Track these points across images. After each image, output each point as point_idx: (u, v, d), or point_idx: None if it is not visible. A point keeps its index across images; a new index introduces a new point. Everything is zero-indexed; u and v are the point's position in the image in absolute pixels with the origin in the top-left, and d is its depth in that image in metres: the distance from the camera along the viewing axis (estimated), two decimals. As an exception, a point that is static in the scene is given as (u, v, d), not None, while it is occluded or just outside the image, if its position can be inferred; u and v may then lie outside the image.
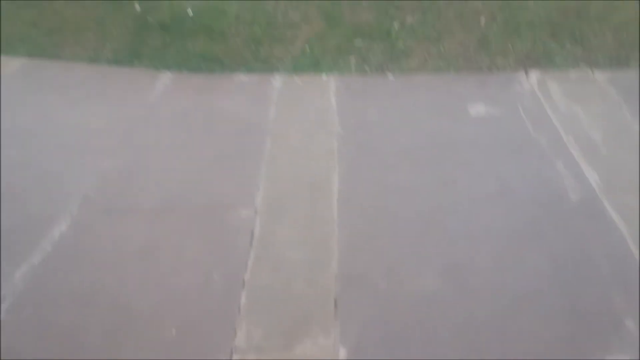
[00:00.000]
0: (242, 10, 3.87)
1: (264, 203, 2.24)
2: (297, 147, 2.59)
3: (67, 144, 2.64)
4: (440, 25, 3.52)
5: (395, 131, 2.67)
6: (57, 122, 2.83)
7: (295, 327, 1.70)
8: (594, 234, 2.04)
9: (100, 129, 2.74)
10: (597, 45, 3.18)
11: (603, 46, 3.17)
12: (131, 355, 1.62)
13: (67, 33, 3.70)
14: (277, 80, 3.16)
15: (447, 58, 3.21)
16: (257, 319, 1.73)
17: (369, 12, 3.75)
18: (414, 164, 2.44)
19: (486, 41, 3.30)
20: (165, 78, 3.20)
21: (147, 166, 2.49)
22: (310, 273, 1.90)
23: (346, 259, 1.96)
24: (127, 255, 2.00)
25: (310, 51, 3.38)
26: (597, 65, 3.03)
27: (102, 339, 1.68)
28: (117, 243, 2.05)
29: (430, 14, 3.64)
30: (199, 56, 3.39)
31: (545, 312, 1.74)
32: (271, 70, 3.25)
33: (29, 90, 3.18)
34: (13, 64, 3.40)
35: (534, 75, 3.00)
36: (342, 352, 1.62)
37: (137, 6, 3.98)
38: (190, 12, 3.86)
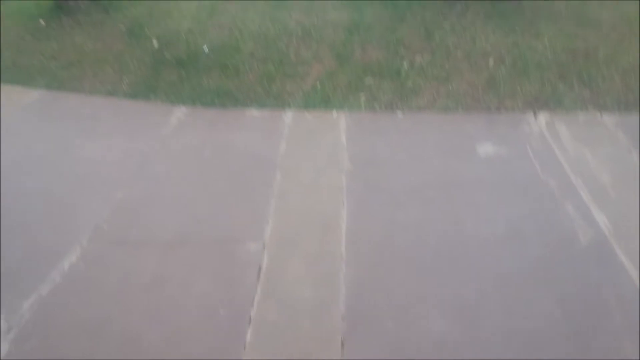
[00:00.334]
0: (256, 48, 3.98)
1: (273, 237, 2.25)
2: (307, 183, 2.61)
3: (81, 174, 2.69)
4: (449, 65, 3.58)
5: (404, 169, 2.69)
6: (72, 153, 2.89)
7: (301, 366, 1.68)
8: (603, 278, 2.01)
9: (114, 160, 2.80)
10: (606, 88, 3.21)
11: (611, 89, 3.20)
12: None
13: (86, 66, 3.82)
14: (288, 116, 3.21)
15: (456, 97, 3.25)
16: (262, 357, 1.72)
17: (379, 51, 3.84)
18: (422, 202, 2.45)
19: (494, 82, 3.35)
20: (180, 112, 3.27)
21: (159, 198, 2.53)
22: (317, 311, 1.89)
23: (353, 297, 1.95)
24: (136, 288, 2.00)
25: (321, 88, 3.45)
26: (605, 109, 3.05)
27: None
28: (125, 275, 2.06)
29: (439, 54, 3.72)
30: (213, 91, 3.47)
31: (555, 356, 1.70)
32: (283, 106, 3.31)
33: (45, 121, 3.27)
34: (32, 95, 3.51)
35: (543, 117, 3.03)
36: (348, 394, 1.59)
37: (155, 42, 4.11)
38: (205, 49, 3.98)
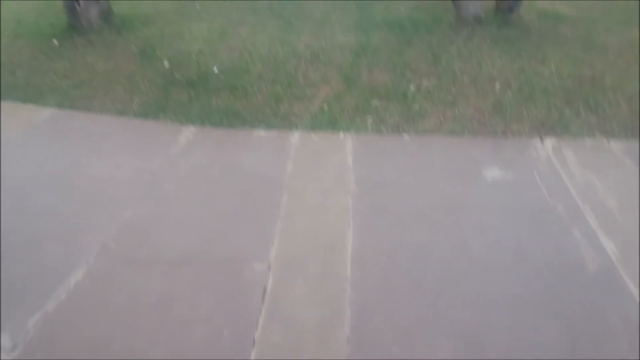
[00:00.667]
0: (265, 70, 4.04)
1: (278, 258, 2.25)
2: (313, 204, 2.62)
3: (90, 193, 2.71)
4: (456, 89, 3.61)
5: (410, 191, 2.69)
6: (81, 171, 2.92)
7: (305, 390, 1.67)
8: (611, 305, 1.99)
9: (123, 179, 2.82)
10: (612, 114, 3.22)
11: (618, 115, 3.20)
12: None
13: (97, 86, 3.89)
14: (296, 137, 3.23)
15: (462, 121, 3.27)
16: (266, 380, 1.70)
17: (386, 74, 3.89)
18: (429, 225, 2.45)
19: (501, 106, 3.37)
20: (189, 132, 3.31)
21: (166, 218, 2.54)
22: (322, 334, 1.88)
23: (358, 320, 1.94)
24: (141, 307, 2.00)
25: (329, 110, 3.48)
26: (612, 135, 3.05)
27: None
28: (131, 294, 2.06)
29: (445, 78, 3.76)
30: (222, 111, 3.51)
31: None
32: (290, 127, 3.33)
33: (56, 140, 3.31)
34: (43, 114, 3.56)
35: (549, 142, 3.04)
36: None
37: (166, 63, 4.19)
38: (215, 70, 4.04)
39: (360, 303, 2.02)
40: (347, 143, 3.15)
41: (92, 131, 3.37)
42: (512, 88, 3.56)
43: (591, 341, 1.84)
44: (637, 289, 2.05)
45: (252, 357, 1.79)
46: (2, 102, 3.72)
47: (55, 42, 4.68)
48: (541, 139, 3.06)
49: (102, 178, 2.84)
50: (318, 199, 2.65)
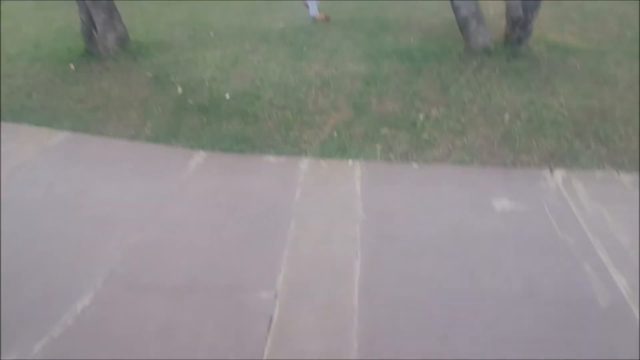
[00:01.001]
0: (275, 96, 4.09)
1: (285, 287, 2.24)
2: (321, 231, 2.62)
3: (100, 217, 2.74)
4: (465, 119, 3.63)
5: (418, 221, 2.68)
6: (92, 195, 2.95)
7: None
8: (622, 342, 1.95)
9: (133, 204, 2.85)
10: (622, 147, 3.21)
11: (628, 148, 3.19)
12: None
13: (111, 110, 3.95)
14: (305, 164, 3.25)
15: (471, 151, 3.27)
16: (270, 413, 1.68)
17: (395, 103, 3.92)
18: (437, 255, 2.43)
19: (510, 137, 3.37)
20: (199, 156, 3.34)
21: (174, 243, 2.55)
22: (328, 366, 1.86)
23: (365, 351, 1.91)
24: (146, 334, 2.00)
25: (338, 137, 3.50)
26: (622, 167, 3.03)
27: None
28: (137, 320, 2.06)
29: (454, 108, 3.78)
30: (232, 137, 3.54)
31: None
32: (299, 153, 3.36)
33: (68, 163, 3.36)
34: (57, 137, 3.63)
35: (559, 174, 3.02)
36: None
37: (179, 89, 4.26)
38: (227, 96, 4.10)
39: (367, 334, 1.99)
40: (355, 171, 3.16)
41: (104, 155, 3.42)
42: (522, 119, 3.56)
43: (603, 380, 1.80)
44: (650, 326, 2.01)
45: (257, 389, 1.77)
46: (18, 125, 3.81)
47: (72, 66, 4.79)
48: (551, 170, 3.05)
49: (112, 202, 2.87)
50: (326, 226, 2.65)
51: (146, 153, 3.45)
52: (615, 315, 2.08)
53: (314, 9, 6.11)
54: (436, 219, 2.69)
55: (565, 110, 3.65)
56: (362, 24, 5.90)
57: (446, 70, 4.36)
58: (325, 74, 4.47)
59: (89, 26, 4.88)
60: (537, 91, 3.93)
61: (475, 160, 3.19)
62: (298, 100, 4.03)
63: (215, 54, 5.03)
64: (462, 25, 4.63)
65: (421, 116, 3.70)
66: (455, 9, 4.58)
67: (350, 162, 3.25)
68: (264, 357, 1.89)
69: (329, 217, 2.72)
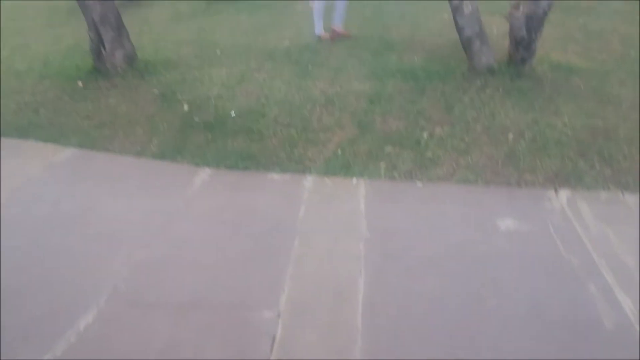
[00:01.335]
0: (280, 114, 4.13)
1: (288, 306, 2.23)
2: (324, 250, 2.62)
3: (105, 233, 2.75)
4: (469, 138, 3.64)
5: (423, 240, 2.68)
6: (98, 211, 2.97)
7: None
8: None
9: (137, 220, 2.86)
10: (627, 167, 3.20)
11: (633, 168, 3.18)
12: None
13: (118, 127, 3.99)
14: (309, 181, 3.26)
15: (475, 170, 3.28)
16: None
17: (399, 121, 3.94)
18: (441, 275, 2.42)
19: (514, 156, 3.38)
20: (204, 173, 3.36)
21: (178, 260, 2.55)
22: (331, 387, 1.84)
23: (368, 374, 1.90)
24: (149, 352, 1.99)
25: (342, 155, 3.52)
26: (627, 188, 3.03)
27: None
28: (140, 338, 2.06)
29: (458, 127, 3.79)
30: (237, 154, 3.56)
31: None
32: (304, 171, 3.37)
33: (74, 179, 3.39)
34: (63, 154, 3.66)
35: (564, 194, 3.02)
36: None
37: (186, 106, 4.31)
38: (233, 113, 4.14)
39: (370, 354, 1.98)
40: (359, 189, 3.17)
41: (110, 172, 3.45)
42: (526, 138, 3.57)
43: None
44: (657, 350, 1.98)
45: (259, 409, 1.75)
46: (25, 141, 3.85)
47: (80, 83, 4.85)
48: (555, 190, 3.05)
49: (117, 219, 2.88)
50: (330, 244, 2.65)
51: (152, 170, 3.47)
52: (621, 336, 2.06)
53: (319, 28, 6.17)
54: (440, 238, 2.68)
55: (569, 129, 3.65)
56: (366, 43, 5.96)
57: (450, 90, 4.39)
58: (330, 92, 4.51)
59: (98, 44, 4.95)
60: (541, 111, 3.94)
61: (480, 180, 3.19)
62: (303, 118, 4.06)
63: (222, 72, 5.09)
64: (466, 45, 4.67)
65: (425, 135, 3.71)
66: (459, 30, 4.63)
67: (354, 180, 3.26)
68: (267, 378, 1.87)
69: (333, 235, 2.73)
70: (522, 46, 4.53)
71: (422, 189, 3.17)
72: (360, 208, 2.96)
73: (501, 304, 2.24)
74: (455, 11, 4.54)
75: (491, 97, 4.19)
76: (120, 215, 2.92)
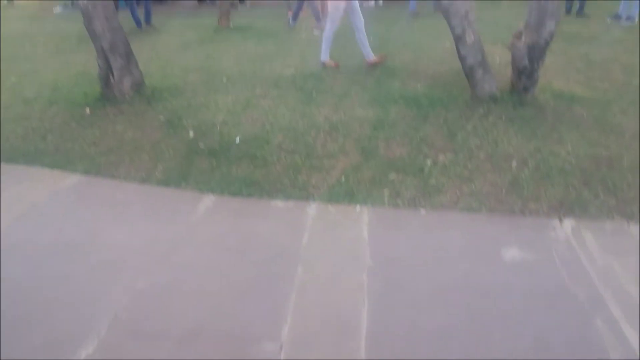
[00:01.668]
0: (284, 140, 4.16)
1: (290, 337, 2.21)
2: (328, 278, 2.60)
3: (107, 261, 2.75)
4: (472, 165, 3.65)
5: (427, 269, 2.66)
6: (101, 238, 2.97)
7: None
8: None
9: (141, 247, 2.86)
10: (631, 197, 3.19)
11: (637, 198, 3.17)
12: None
13: (124, 153, 4.03)
14: (313, 208, 3.26)
15: (479, 198, 3.27)
16: None
17: (403, 148, 3.96)
18: (446, 306, 2.39)
19: (518, 184, 3.37)
20: (208, 200, 3.38)
21: (180, 288, 2.54)
22: (333, 422, 1.81)
23: (371, 408, 1.87)
24: (148, 384, 1.97)
25: (346, 182, 3.53)
26: (632, 218, 3.01)
27: None
28: (139, 370, 2.03)
29: (461, 154, 3.80)
30: (241, 181, 3.58)
31: None
32: (307, 198, 3.37)
33: (79, 206, 3.40)
34: (69, 180, 3.69)
35: (569, 223, 3.00)
36: None
37: (191, 132, 4.35)
38: (237, 139, 4.17)
39: (373, 389, 1.95)
40: (363, 216, 3.16)
41: (114, 198, 3.47)
42: (529, 167, 3.57)
43: None
44: (667, 386, 1.94)
45: None
46: (31, 168, 3.89)
47: (88, 110, 4.92)
48: (560, 219, 3.03)
49: (120, 246, 2.88)
50: (333, 273, 2.64)
51: (156, 196, 3.48)
52: (630, 372, 2.02)
53: (325, 55, 6.26)
54: (444, 268, 2.66)
55: (573, 158, 3.66)
56: (370, 70, 6.04)
57: (453, 117, 4.42)
58: (334, 118, 4.56)
59: (106, 71, 5.04)
60: (544, 139, 3.96)
61: (484, 208, 3.19)
62: (307, 144, 4.09)
63: (227, 99, 5.16)
64: (469, 73, 4.72)
65: (429, 162, 3.73)
66: (461, 58, 4.69)
67: (357, 207, 3.26)
68: (268, 411, 1.84)
69: (337, 263, 2.71)
70: (524, 75, 4.58)
71: (426, 216, 3.16)
72: (364, 236, 2.95)
73: (506, 336, 2.21)
74: (458, 40, 4.60)
75: (494, 125, 4.22)
76: (123, 242, 2.92)
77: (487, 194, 3.31)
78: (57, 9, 13.52)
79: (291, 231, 3.03)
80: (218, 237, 2.98)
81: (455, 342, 2.19)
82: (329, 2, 5.94)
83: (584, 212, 3.08)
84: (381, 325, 2.28)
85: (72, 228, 3.08)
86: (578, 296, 2.42)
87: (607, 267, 2.61)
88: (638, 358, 2.08)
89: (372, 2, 11.87)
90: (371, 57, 6.11)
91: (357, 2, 5.95)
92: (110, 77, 5.04)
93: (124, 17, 8.45)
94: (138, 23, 9.52)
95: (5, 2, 16.77)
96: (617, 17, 8.55)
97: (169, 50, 7.75)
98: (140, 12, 9.55)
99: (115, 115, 4.77)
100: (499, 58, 5.92)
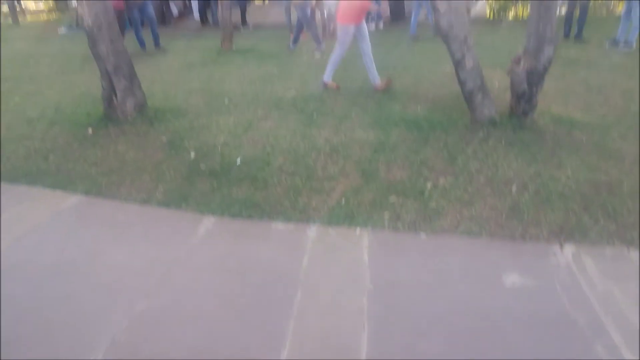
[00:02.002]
0: (285, 162, 4.18)
1: (289, 363, 2.19)
2: (327, 303, 2.59)
3: (106, 283, 2.74)
4: (472, 189, 3.66)
5: (427, 294, 2.64)
6: (100, 259, 2.97)
7: None
8: None
9: (140, 269, 2.85)
10: (631, 222, 3.18)
11: (637, 224, 3.16)
12: None
13: (125, 174, 4.04)
14: (313, 231, 3.26)
15: (480, 222, 3.27)
16: None
17: (403, 171, 3.97)
18: (446, 332, 2.37)
19: (518, 209, 3.38)
20: (208, 222, 3.38)
21: (178, 311, 2.52)
22: None
23: None
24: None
25: (346, 204, 3.53)
26: (632, 243, 3.00)
27: None
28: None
29: (462, 177, 3.82)
30: (242, 202, 3.58)
31: None
32: (307, 220, 3.37)
33: (79, 227, 3.40)
34: (70, 201, 3.69)
35: (569, 249, 2.99)
36: None
37: (193, 153, 4.37)
38: (238, 161, 4.19)
39: (373, 417, 1.92)
40: (363, 239, 3.16)
41: (114, 219, 3.47)
42: (529, 191, 3.58)
43: None
44: (671, 416, 1.91)
45: None
46: (33, 188, 3.90)
47: (90, 130, 4.96)
48: (561, 245, 3.03)
49: (119, 268, 2.87)
50: (332, 297, 2.62)
51: (156, 217, 3.49)
52: (633, 402, 2.00)
53: (328, 76, 6.31)
54: (445, 293, 2.65)
55: (573, 183, 3.67)
56: (371, 92, 6.11)
57: (453, 140, 4.45)
58: (335, 140, 4.59)
59: (110, 92, 5.09)
60: (544, 163, 3.97)
61: (484, 232, 3.18)
62: (307, 166, 4.10)
63: (229, 120, 5.20)
64: (468, 97, 4.77)
65: (429, 185, 3.74)
66: (461, 83, 4.74)
67: (358, 230, 3.26)
68: None
69: (336, 287, 2.70)
70: (523, 99, 4.62)
71: (426, 240, 3.15)
72: (364, 259, 2.94)
73: (507, 363, 2.19)
74: (457, 65, 4.66)
75: (494, 149, 4.24)
76: (122, 264, 2.91)
77: (487, 218, 3.31)
78: (62, 30, 13.74)
79: (291, 254, 3.02)
80: (218, 259, 2.97)
81: (456, 369, 2.16)
82: (338, 26, 6.02)
83: (584, 238, 3.08)
84: (381, 350, 2.26)
85: (72, 249, 3.07)
86: (578, 322, 2.41)
87: (608, 293, 2.60)
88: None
89: (373, 26, 12.05)
90: (377, 81, 6.18)
91: (365, 26, 6.03)
92: (114, 98, 5.09)
93: (129, 38, 8.58)
94: (142, 44, 9.66)
95: (11, 22, 17.04)
96: (615, 42, 8.66)
97: (172, 71, 7.85)
98: (146, 34, 9.70)
99: (117, 136, 4.80)
100: (498, 82, 5.99)
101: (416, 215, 3.37)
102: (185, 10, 16.08)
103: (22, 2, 21.02)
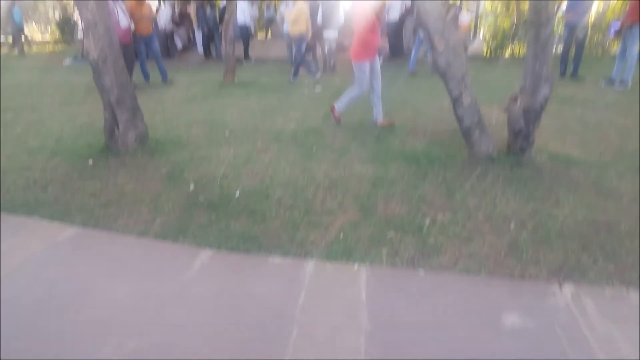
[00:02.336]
0: (284, 196, 4.18)
1: (283, 405, 2.13)
2: (323, 342, 2.54)
3: (98, 319, 2.69)
4: (470, 225, 3.65)
5: (425, 334, 2.60)
6: (93, 295, 2.92)
7: None
8: None
9: (133, 304, 2.81)
10: (630, 263, 3.16)
11: (636, 264, 3.14)
12: None
13: (123, 206, 4.04)
14: (310, 266, 3.23)
15: (478, 259, 3.25)
16: None
17: (402, 206, 3.97)
18: (443, 374, 2.33)
19: (517, 247, 3.36)
20: (205, 255, 3.35)
21: (170, 349, 2.47)
22: None
23: None
24: None
25: (344, 239, 3.51)
26: (631, 284, 2.97)
27: None
28: None
29: (460, 214, 3.81)
30: (239, 235, 3.57)
31: None
32: (305, 254, 3.35)
33: (73, 260, 3.36)
34: (67, 232, 3.67)
35: (568, 289, 2.96)
36: None
37: (192, 185, 4.38)
38: (237, 193, 4.20)
39: None
40: (361, 275, 3.13)
41: (110, 252, 3.44)
42: (527, 229, 3.57)
43: None
44: None
45: None
46: (30, 219, 3.88)
47: (90, 162, 4.98)
48: (560, 284, 3.00)
49: (112, 303, 2.83)
50: (329, 336, 2.58)
51: (153, 251, 3.46)
52: None
53: (340, 105, 6.28)
54: (443, 333, 2.60)
55: (571, 221, 3.66)
56: (370, 127, 6.17)
57: (451, 176, 4.47)
58: (334, 174, 4.60)
59: (112, 124, 5.14)
60: (542, 201, 3.98)
61: (483, 270, 3.16)
62: (306, 200, 4.10)
63: (229, 152, 5.23)
64: (466, 133, 4.81)
65: (427, 221, 3.73)
66: (458, 119, 4.80)
67: (355, 265, 3.23)
68: None
69: (333, 325, 2.66)
70: (520, 137, 4.67)
71: (425, 278, 3.12)
72: (362, 297, 2.91)
73: (507, 409, 2.13)
74: (455, 102, 4.73)
75: (492, 185, 4.25)
76: (115, 299, 2.87)
77: (486, 256, 3.29)
78: (67, 61, 14.00)
79: (288, 290, 2.98)
80: (213, 294, 2.94)
81: (454, 414, 2.11)
82: (353, 64, 6.07)
83: (583, 277, 3.05)
84: (377, 393, 2.21)
85: (65, 283, 3.04)
86: (579, 366, 2.37)
87: (608, 335, 2.56)
88: None
89: (373, 61, 12.27)
90: (380, 118, 6.24)
91: (378, 63, 6.12)
92: (116, 129, 5.14)
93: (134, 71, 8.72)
94: (147, 77, 9.82)
95: (17, 53, 17.37)
96: (610, 81, 8.81)
97: (174, 103, 7.95)
98: (151, 67, 9.87)
99: (117, 168, 4.82)
100: (496, 119, 6.06)
101: (414, 252, 3.35)
102: (190, 44, 16.43)
103: (28, 32, 21.47)
